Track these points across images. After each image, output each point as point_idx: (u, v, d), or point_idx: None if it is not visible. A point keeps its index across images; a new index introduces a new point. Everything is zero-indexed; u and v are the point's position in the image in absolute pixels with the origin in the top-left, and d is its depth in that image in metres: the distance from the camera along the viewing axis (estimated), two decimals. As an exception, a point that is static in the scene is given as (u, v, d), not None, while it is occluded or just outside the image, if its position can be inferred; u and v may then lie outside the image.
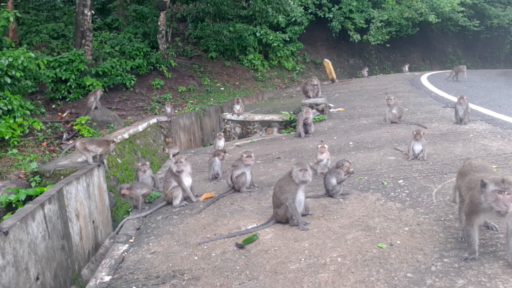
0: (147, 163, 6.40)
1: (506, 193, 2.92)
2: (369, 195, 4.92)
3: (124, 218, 5.50)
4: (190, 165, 5.49)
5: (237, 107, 10.97)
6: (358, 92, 14.80)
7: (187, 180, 5.41)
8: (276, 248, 3.87)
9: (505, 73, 19.39)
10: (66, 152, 7.59)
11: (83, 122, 9.52)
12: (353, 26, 23.28)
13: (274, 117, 10.82)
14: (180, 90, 15.39)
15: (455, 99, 9.40)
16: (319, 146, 5.92)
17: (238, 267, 3.63)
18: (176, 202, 5.35)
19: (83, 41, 12.53)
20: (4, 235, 4.03)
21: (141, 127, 10.39)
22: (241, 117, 11.01)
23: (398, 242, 3.69)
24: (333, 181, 4.97)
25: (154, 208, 5.44)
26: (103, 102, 11.44)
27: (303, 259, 3.60)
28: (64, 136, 9.28)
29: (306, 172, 4.18)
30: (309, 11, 23.03)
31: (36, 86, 11.26)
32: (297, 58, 22.70)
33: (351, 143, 7.69)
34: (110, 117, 10.44)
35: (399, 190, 4.97)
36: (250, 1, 19.05)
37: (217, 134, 8.46)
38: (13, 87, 8.92)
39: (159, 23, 16.20)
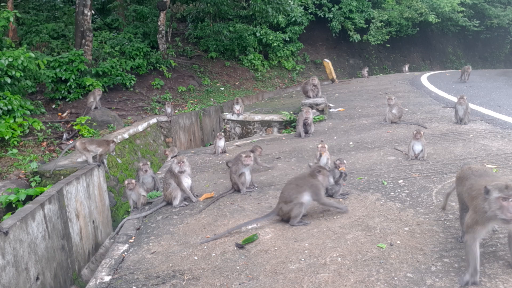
0: (148, 163, 6.41)
1: (510, 199, 2.78)
2: (369, 195, 4.92)
3: (124, 218, 5.50)
4: (190, 165, 5.49)
5: (237, 107, 10.97)
6: (358, 92, 14.80)
7: (186, 181, 5.41)
8: (276, 248, 3.87)
9: (505, 73, 19.39)
10: (66, 152, 7.60)
11: (83, 122, 9.52)
12: (353, 26, 23.28)
13: (274, 117, 10.82)
14: (180, 90, 15.40)
15: (455, 99, 9.40)
16: (319, 146, 5.92)
17: (238, 267, 3.63)
18: (176, 202, 5.35)
19: (83, 41, 12.54)
20: (4, 235, 4.03)
21: (141, 127, 10.39)
22: (241, 117, 11.01)
23: (398, 242, 3.69)
24: (331, 180, 4.98)
25: (154, 208, 5.44)
26: (103, 102, 11.44)
27: (303, 259, 3.60)
28: (64, 136, 9.28)
29: (330, 176, 4.54)
30: (309, 11, 23.03)
31: (36, 86, 11.26)
32: (297, 58, 22.71)
33: (351, 143, 7.69)
34: (110, 117, 10.45)
35: (399, 190, 4.97)
36: (250, 1, 19.06)
37: (217, 134, 8.46)
38: (13, 87, 8.92)
39: (159, 23, 16.20)
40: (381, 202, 4.66)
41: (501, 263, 3.18)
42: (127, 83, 13.50)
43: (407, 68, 23.56)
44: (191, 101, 14.54)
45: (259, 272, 3.51)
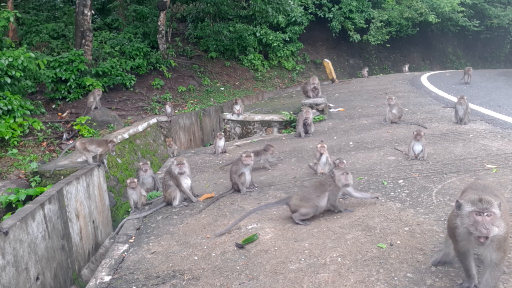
0: (148, 162, 6.41)
1: (485, 214, 2.50)
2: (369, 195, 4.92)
3: (124, 218, 5.50)
4: (189, 166, 5.49)
5: (237, 107, 10.97)
6: (358, 92, 14.80)
7: (185, 182, 5.40)
8: (276, 248, 3.87)
9: (505, 73, 19.38)
10: (66, 152, 7.59)
11: (83, 122, 9.52)
12: (353, 26, 23.28)
13: (274, 117, 10.82)
14: (180, 90, 15.39)
15: (455, 99, 9.40)
16: (318, 146, 5.92)
17: (238, 267, 3.63)
18: (175, 202, 5.35)
19: (83, 41, 12.54)
20: (4, 235, 4.03)
21: (141, 127, 10.39)
22: (241, 117, 11.01)
23: (398, 242, 3.69)
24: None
25: (154, 209, 5.44)
26: (103, 102, 11.44)
27: (303, 259, 3.60)
28: (64, 136, 9.28)
29: (348, 175, 4.44)
30: (309, 11, 23.03)
31: (36, 86, 11.26)
32: (297, 58, 22.71)
33: (351, 143, 7.69)
34: (110, 117, 10.45)
35: (399, 190, 4.97)
36: (250, 1, 19.05)
37: (217, 134, 8.46)
38: (13, 87, 8.92)
39: (159, 23, 16.20)
40: (381, 202, 4.66)
41: (501, 263, 3.17)
42: (127, 83, 13.49)
43: (407, 68, 23.56)
44: (191, 101, 14.54)
45: (259, 272, 3.51)
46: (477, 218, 2.51)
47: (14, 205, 5.93)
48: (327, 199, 4.43)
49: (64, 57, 11.50)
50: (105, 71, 12.78)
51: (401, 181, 5.28)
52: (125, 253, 4.28)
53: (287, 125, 10.45)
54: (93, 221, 6.20)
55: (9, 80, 8.60)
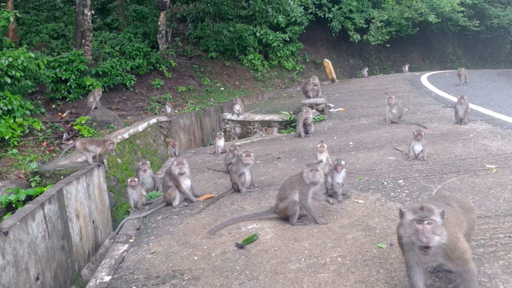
0: (148, 162, 6.41)
1: (426, 222, 2.42)
2: (369, 195, 4.92)
3: (124, 218, 5.50)
4: (189, 166, 5.49)
5: (237, 107, 10.97)
6: (358, 92, 14.80)
7: (185, 183, 5.39)
8: (276, 248, 3.87)
9: (505, 73, 19.38)
10: (66, 152, 7.59)
11: (83, 122, 9.52)
12: (353, 26, 23.28)
13: (274, 117, 10.82)
14: (180, 90, 15.39)
15: (455, 99, 9.40)
16: (318, 146, 5.92)
17: (238, 267, 3.63)
18: (175, 203, 5.35)
19: (83, 41, 12.54)
20: (4, 235, 4.03)
21: (141, 127, 10.39)
22: (241, 117, 11.01)
23: (398, 242, 3.69)
24: (329, 180, 4.98)
25: (154, 209, 5.44)
26: (103, 102, 11.44)
27: (303, 259, 3.60)
28: (64, 136, 9.28)
29: (316, 172, 4.17)
30: (309, 11, 23.03)
31: (36, 86, 11.26)
32: (297, 58, 22.71)
33: (351, 143, 7.69)
34: (110, 117, 10.45)
35: (399, 190, 4.97)
36: (250, 1, 19.05)
37: (217, 133, 8.46)
38: (13, 87, 8.92)
39: (159, 23, 16.20)
40: (381, 202, 4.66)
41: (501, 263, 3.18)
42: (127, 83, 13.49)
43: (407, 68, 23.56)
44: (191, 101, 14.54)
45: (259, 272, 3.51)
46: (418, 227, 2.44)
47: (14, 205, 5.93)
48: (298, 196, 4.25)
49: (64, 57, 11.50)
50: (105, 71, 12.78)
51: (401, 181, 5.28)
52: (125, 253, 4.27)
53: (287, 125, 10.45)
54: (93, 221, 6.20)
55: (9, 80, 8.60)
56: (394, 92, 13.29)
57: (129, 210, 5.79)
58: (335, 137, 8.32)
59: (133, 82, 13.64)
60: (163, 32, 16.22)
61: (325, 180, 5.05)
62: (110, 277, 3.80)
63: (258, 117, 10.96)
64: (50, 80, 11.10)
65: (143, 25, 17.89)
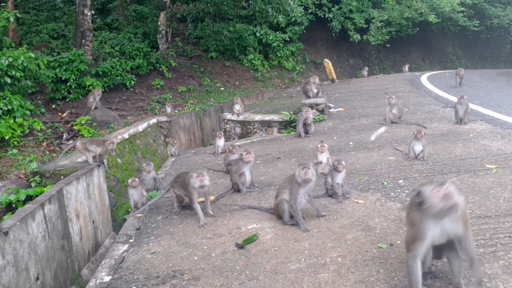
0: (152, 164, 6.41)
1: (444, 187, 2.59)
2: (369, 195, 4.92)
3: (124, 218, 5.49)
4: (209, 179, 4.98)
5: (237, 107, 10.97)
6: (358, 92, 14.80)
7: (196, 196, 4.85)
8: (276, 248, 3.87)
9: (505, 73, 19.38)
10: (66, 152, 7.59)
11: (83, 122, 9.52)
12: (353, 26, 23.28)
13: (274, 117, 10.82)
14: (180, 90, 15.39)
15: (455, 99, 9.40)
16: (319, 145, 5.92)
17: (238, 267, 3.63)
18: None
19: (83, 41, 12.54)
20: (4, 235, 4.03)
21: (141, 127, 10.39)
22: (241, 117, 11.01)
23: (398, 242, 3.69)
24: (329, 180, 4.98)
25: (152, 201, 5.47)
26: (103, 102, 11.44)
27: (303, 259, 3.60)
28: (64, 136, 9.28)
29: (308, 170, 4.05)
30: (309, 11, 23.03)
31: (36, 86, 11.26)
32: (297, 58, 22.70)
33: (351, 143, 7.69)
34: (110, 117, 10.45)
35: (399, 190, 4.97)
36: (250, 1, 19.05)
37: (217, 133, 8.46)
38: (13, 87, 8.92)
39: (159, 23, 16.20)
40: (381, 202, 4.66)
41: (501, 263, 3.18)
42: (127, 83, 13.49)
43: (407, 68, 23.56)
44: (191, 101, 14.54)
45: (259, 272, 3.51)
46: (440, 193, 2.59)
47: (14, 205, 5.93)
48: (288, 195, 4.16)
49: (64, 57, 11.50)
50: (105, 71, 12.78)
51: (401, 181, 5.28)
52: (125, 253, 4.27)
53: (287, 125, 10.45)
54: (93, 221, 6.20)
55: (9, 80, 8.60)
56: (394, 92, 13.29)
57: (129, 210, 5.79)
58: (335, 137, 8.32)
59: (133, 82, 13.64)
60: (163, 32, 16.22)
61: (325, 181, 5.06)
62: (110, 277, 3.80)
63: (258, 117, 10.96)
64: (50, 80, 11.10)
65: (143, 25, 17.89)
